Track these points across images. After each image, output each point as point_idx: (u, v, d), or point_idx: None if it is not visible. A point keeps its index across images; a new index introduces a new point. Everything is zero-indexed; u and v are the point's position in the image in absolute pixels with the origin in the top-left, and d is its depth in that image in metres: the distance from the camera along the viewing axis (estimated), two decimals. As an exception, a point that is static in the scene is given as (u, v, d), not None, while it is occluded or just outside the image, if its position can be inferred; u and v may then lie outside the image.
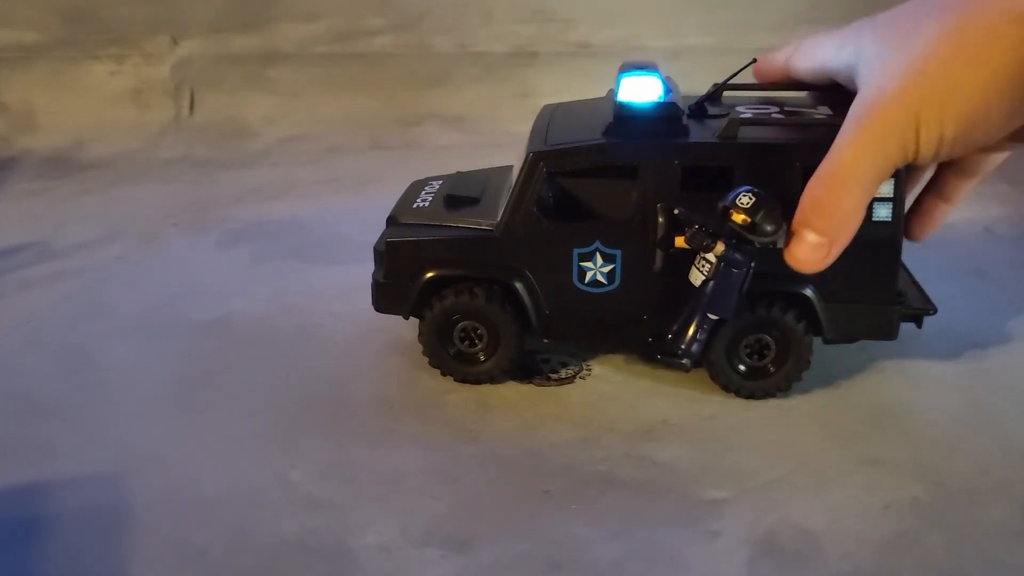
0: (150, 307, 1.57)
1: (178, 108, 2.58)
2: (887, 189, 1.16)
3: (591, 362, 1.37)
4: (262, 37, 2.59)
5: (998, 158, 1.25)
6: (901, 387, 1.30)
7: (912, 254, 1.74)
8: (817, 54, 1.19)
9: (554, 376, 1.34)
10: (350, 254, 1.69)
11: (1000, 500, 1.07)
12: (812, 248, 1.06)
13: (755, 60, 1.29)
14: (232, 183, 2.20)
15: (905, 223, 1.22)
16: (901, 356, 1.36)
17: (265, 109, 2.58)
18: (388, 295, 1.32)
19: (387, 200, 1.40)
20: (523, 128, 1.33)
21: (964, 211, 1.97)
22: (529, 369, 1.36)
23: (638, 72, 1.23)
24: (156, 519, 1.06)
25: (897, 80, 0.98)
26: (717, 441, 1.19)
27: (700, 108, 1.26)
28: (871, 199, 1.07)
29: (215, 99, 2.57)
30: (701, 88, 1.31)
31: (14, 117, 2.49)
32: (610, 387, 1.31)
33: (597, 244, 1.22)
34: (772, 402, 1.26)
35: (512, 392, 1.31)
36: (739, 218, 1.07)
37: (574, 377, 1.34)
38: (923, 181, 1.32)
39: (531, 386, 1.32)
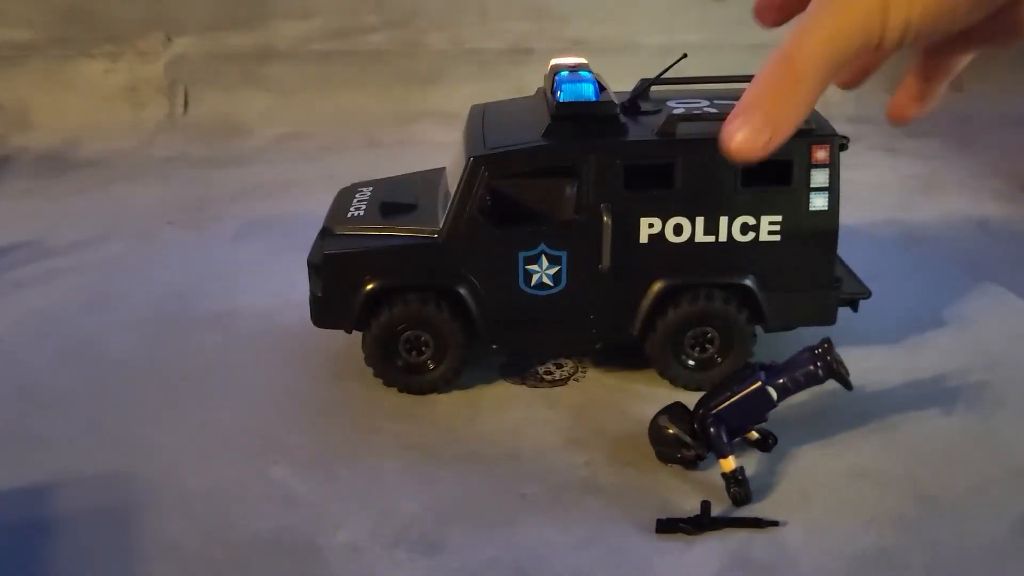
0: (146, 304, 1.58)
1: (173, 106, 2.58)
2: (823, 179, 1.20)
3: (587, 364, 1.36)
4: (257, 35, 2.59)
5: (963, 61, 1.23)
6: (902, 395, 1.28)
7: (908, 250, 1.75)
8: None
9: (548, 377, 1.34)
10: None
11: (991, 519, 1.05)
12: (754, 133, 1.03)
13: (685, 55, 1.28)
14: (227, 181, 2.20)
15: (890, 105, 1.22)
16: (903, 362, 1.35)
17: (260, 107, 2.58)
18: (328, 309, 1.27)
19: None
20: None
21: (958, 207, 1.98)
22: (523, 369, 1.36)
23: (572, 72, 1.22)
24: (136, 514, 1.07)
25: None
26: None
27: (633, 105, 1.26)
28: (823, 89, 1.05)
29: (210, 97, 2.57)
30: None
31: (8, 115, 2.50)
32: (603, 391, 1.31)
33: (542, 246, 1.21)
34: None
35: (504, 393, 1.31)
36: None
37: (568, 379, 1.34)
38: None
39: (524, 387, 1.32)
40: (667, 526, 1.03)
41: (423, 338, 1.26)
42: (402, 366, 1.28)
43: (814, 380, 1.08)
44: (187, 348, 1.43)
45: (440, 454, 1.18)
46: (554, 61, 1.27)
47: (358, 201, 1.36)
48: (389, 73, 2.61)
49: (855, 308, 1.30)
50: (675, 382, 1.28)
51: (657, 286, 1.23)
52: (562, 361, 1.37)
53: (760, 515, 1.05)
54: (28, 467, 1.15)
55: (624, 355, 1.30)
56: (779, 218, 1.21)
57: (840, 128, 1.26)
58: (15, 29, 2.51)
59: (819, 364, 1.07)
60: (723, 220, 1.20)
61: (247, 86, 2.59)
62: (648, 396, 1.27)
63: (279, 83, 2.61)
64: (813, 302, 1.26)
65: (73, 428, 1.24)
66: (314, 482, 1.12)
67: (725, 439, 1.07)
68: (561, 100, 1.19)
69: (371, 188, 1.41)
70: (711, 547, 1.01)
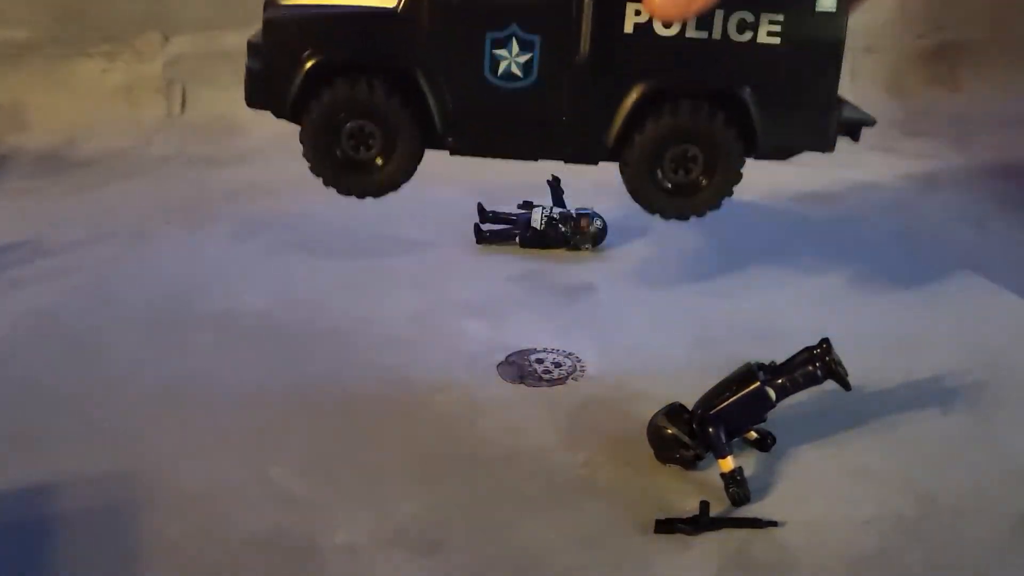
0: (145, 303, 1.57)
1: (170, 105, 2.58)
2: None
3: (585, 363, 1.36)
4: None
5: None
6: (901, 395, 1.28)
7: (907, 250, 1.75)
8: None
9: (546, 377, 1.34)
10: (343, 250, 1.69)
11: (988, 518, 1.05)
12: None
13: None
14: (224, 180, 2.19)
15: None
16: (901, 362, 1.35)
17: (258, 106, 2.57)
18: (264, 86, 1.13)
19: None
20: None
21: (956, 206, 1.97)
22: (522, 369, 1.35)
23: None
24: (134, 514, 1.06)
25: None
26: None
27: None
28: None
29: (207, 96, 2.57)
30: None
31: (5, 115, 2.49)
32: (602, 390, 1.31)
33: (514, 28, 1.07)
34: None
35: (503, 392, 1.30)
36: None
37: (567, 378, 1.33)
38: None
39: (523, 386, 1.32)
40: (666, 526, 1.02)
41: (370, 130, 1.11)
42: (343, 161, 1.13)
43: (813, 381, 1.08)
44: (185, 348, 1.43)
45: (439, 454, 1.17)
46: None
47: None
48: (387, 72, 2.61)
49: (856, 137, 1.17)
50: (651, 208, 1.16)
51: (639, 89, 1.10)
52: (561, 360, 1.37)
53: (760, 515, 1.05)
54: (25, 467, 1.15)
55: (624, 355, 1.30)
56: (781, 17, 1.07)
57: (839, 128, 1.24)
58: (12, 28, 2.51)
59: (818, 364, 1.08)
60: (718, 13, 1.06)
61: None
62: (647, 396, 1.27)
63: (276, 82, 2.60)
64: (811, 123, 1.12)
65: (71, 428, 1.23)
66: (312, 482, 1.12)
67: (724, 439, 1.07)
68: None
69: None
70: (710, 547, 1.01)
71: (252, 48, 1.14)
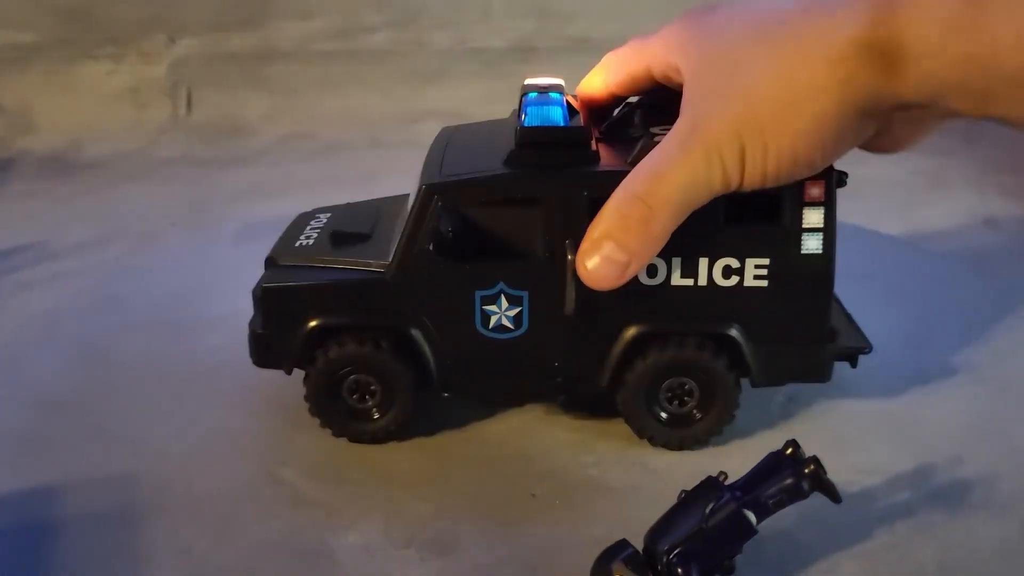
0: (151, 306, 1.58)
1: (176, 107, 2.58)
2: (817, 219, 1.08)
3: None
4: (259, 35, 2.59)
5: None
6: (908, 392, 1.28)
7: (914, 247, 1.74)
8: (625, 68, 1.12)
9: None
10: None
11: (1001, 516, 1.04)
12: (609, 263, 1.00)
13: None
14: (230, 182, 2.20)
15: None
16: (910, 359, 1.35)
17: (263, 107, 2.58)
18: (268, 347, 1.18)
19: (386, 198, 1.38)
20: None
21: (964, 203, 1.97)
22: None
23: (541, 94, 1.11)
24: (145, 517, 1.07)
25: (725, 110, 0.95)
26: (712, 447, 1.17)
27: (614, 130, 1.16)
28: (679, 220, 0.99)
29: (213, 98, 2.57)
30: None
31: (11, 118, 2.50)
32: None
33: (501, 286, 1.11)
34: (771, 408, 1.24)
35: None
36: None
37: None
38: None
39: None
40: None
41: (370, 383, 1.17)
42: (345, 411, 1.18)
43: (798, 495, 0.92)
44: (192, 350, 1.43)
45: (450, 454, 1.17)
46: (527, 81, 1.16)
47: (310, 229, 1.28)
48: (391, 73, 2.61)
49: (854, 363, 1.19)
50: (653, 441, 1.17)
51: (630, 332, 1.12)
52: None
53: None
54: (35, 470, 1.15)
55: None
56: (766, 261, 1.09)
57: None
58: (17, 31, 2.51)
59: (804, 478, 0.91)
60: (703, 262, 1.09)
61: (250, 87, 2.59)
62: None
63: (282, 83, 2.61)
64: (805, 356, 1.14)
65: (79, 431, 1.23)
66: (324, 484, 1.12)
67: None
68: (525, 125, 1.07)
69: (328, 215, 1.32)
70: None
71: (255, 305, 1.20)
